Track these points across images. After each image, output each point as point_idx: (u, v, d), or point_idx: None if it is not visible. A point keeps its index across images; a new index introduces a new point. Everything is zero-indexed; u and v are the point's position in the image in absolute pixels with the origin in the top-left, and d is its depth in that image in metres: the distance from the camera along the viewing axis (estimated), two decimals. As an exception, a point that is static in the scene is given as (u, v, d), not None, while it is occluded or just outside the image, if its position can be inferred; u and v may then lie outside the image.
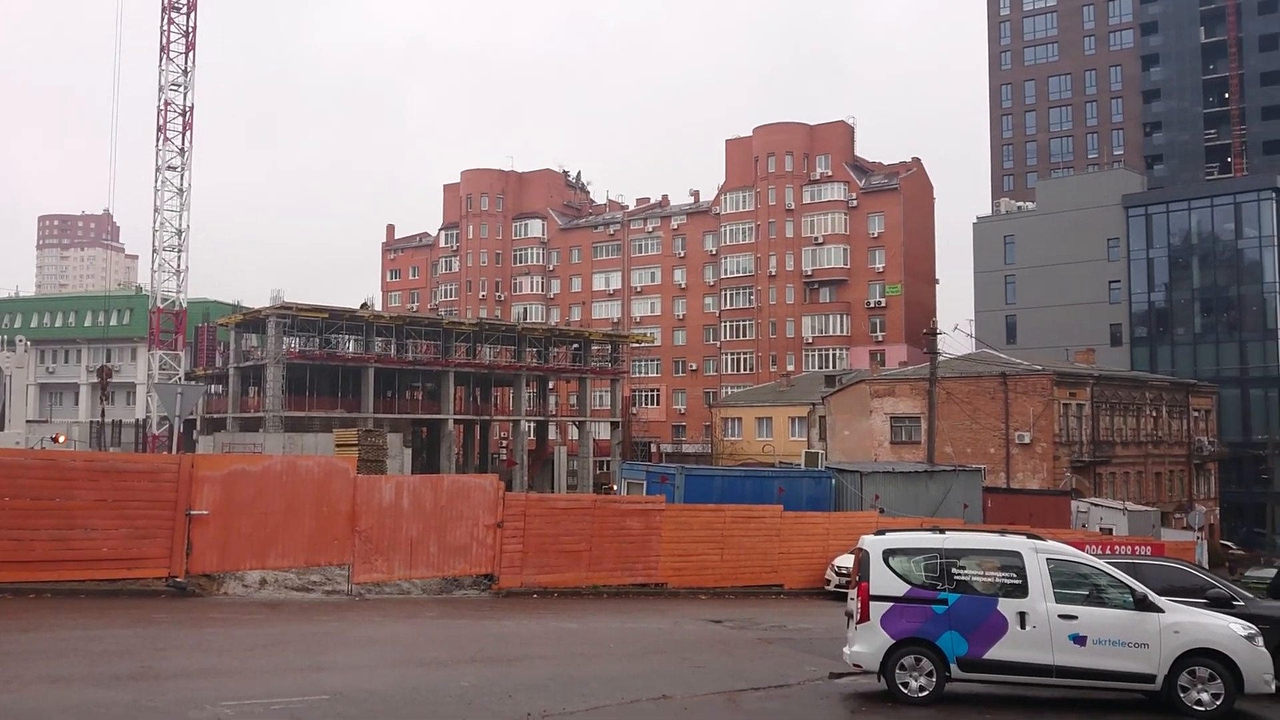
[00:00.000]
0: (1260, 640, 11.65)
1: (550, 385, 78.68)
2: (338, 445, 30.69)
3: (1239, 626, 11.63)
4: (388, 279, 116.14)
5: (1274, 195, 66.03)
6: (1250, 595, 15.28)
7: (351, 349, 64.07)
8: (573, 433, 76.96)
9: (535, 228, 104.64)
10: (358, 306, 66.21)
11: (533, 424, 73.94)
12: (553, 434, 78.54)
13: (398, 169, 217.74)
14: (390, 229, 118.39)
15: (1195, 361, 67.13)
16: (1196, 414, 59.58)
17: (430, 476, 26.96)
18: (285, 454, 35.65)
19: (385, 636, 15.38)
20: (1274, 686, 11.64)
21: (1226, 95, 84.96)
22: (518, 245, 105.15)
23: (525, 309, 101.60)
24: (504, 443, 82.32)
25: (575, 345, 73.85)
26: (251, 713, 9.73)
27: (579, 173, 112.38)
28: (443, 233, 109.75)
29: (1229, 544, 56.79)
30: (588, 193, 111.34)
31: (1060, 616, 11.34)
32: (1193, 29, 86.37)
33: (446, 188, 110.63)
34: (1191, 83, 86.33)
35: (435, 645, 14.92)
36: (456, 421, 68.49)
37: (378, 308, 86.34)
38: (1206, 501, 58.24)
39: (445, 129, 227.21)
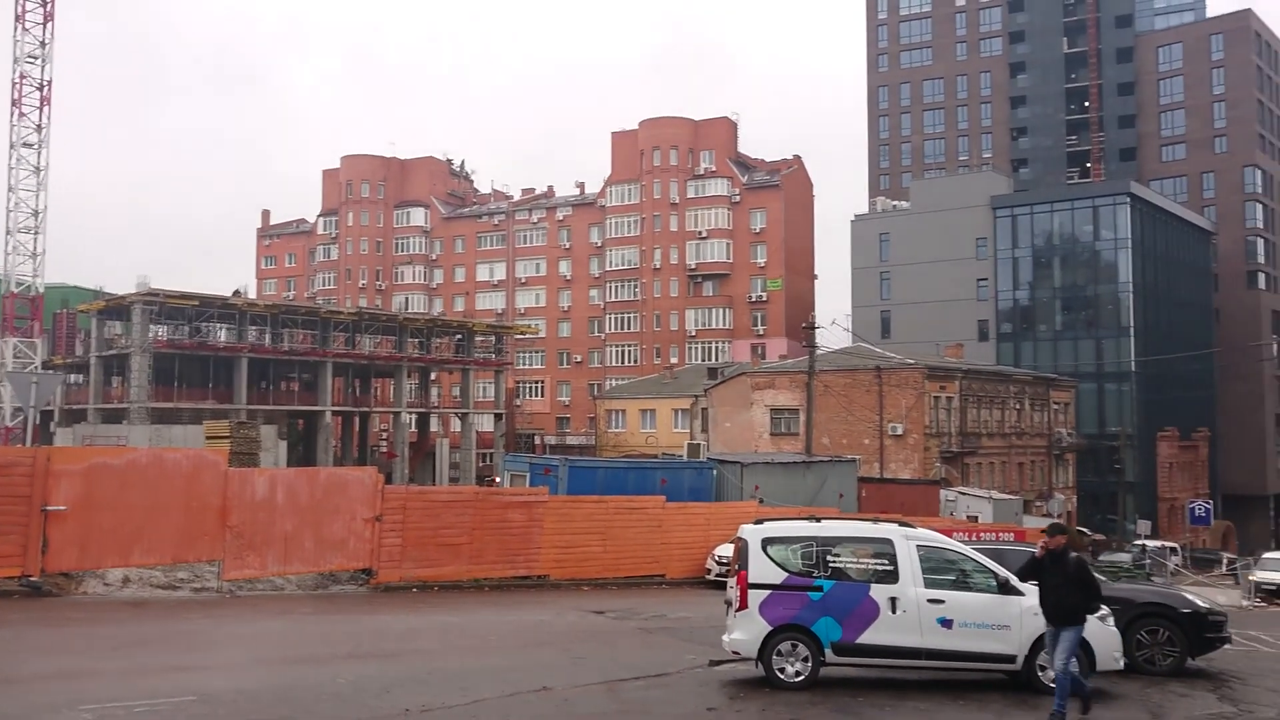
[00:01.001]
0: (1111, 620, 12.34)
1: (432, 376, 77.52)
2: (208, 438, 29.66)
3: (1092, 607, 12.28)
4: (263, 266, 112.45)
5: (1129, 200, 69.78)
6: (1103, 578, 16.14)
7: (224, 338, 61.76)
8: (455, 425, 76.03)
9: (418, 216, 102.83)
10: (230, 294, 63.88)
11: (414, 416, 72.71)
12: (435, 426, 77.43)
13: (274, 153, 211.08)
14: (266, 214, 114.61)
15: (1056, 357, 70.46)
16: (1056, 407, 62.59)
17: (306, 470, 26.30)
18: (151, 447, 34.22)
19: (257, 634, 14.93)
20: (1123, 663, 12.35)
21: (1087, 103, 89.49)
22: (399, 234, 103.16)
23: (407, 299, 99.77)
24: (384, 435, 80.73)
25: (458, 336, 72.91)
26: (113, 716, 9.33)
27: (463, 161, 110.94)
28: (321, 219, 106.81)
29: (1086, 530, 59.83)
30: (472, 182, 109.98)
31: (929, 601, 11.76)
32: (1056, 39, 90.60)
33: (325, 173, 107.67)
34: (1055, 90, 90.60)
35: (310, 642, 14.56)
36: (334, 413, 66.85)
37: (252, 295, 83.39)
38: (1065, 490, 61.30)
39: (324, 113, 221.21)
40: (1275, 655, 17.82)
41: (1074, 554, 11.03)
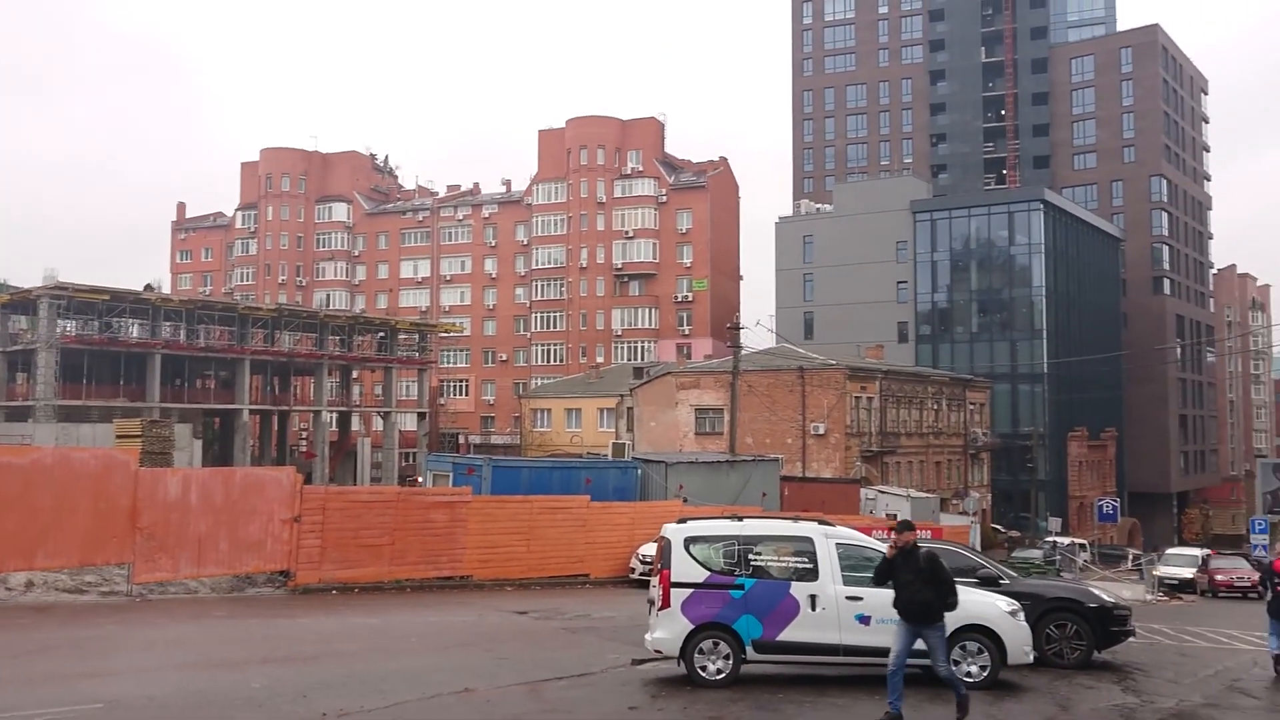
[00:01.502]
0: (1022, 615, 12.69)
1: (354, 375, 76.30)
2: (119, 437, 28.77)
3: (1004, 603, 12.62)
4: (178, 260, 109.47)
5: (1042, 207, 71.79)
6: (1014, 574, 16.61)
7: (136, 334, 59.94)
8: (377, 424, 74.94)
9: (340, 211, 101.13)
10: (143, 288, 62.06)
11: (335, 415, 71.48)
12: (356, 425, 76.22)
13: (192, 144, 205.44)
14: (181, 207, 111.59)
15: (972, 358, 72.16)
16: (972, 407, 64.13)
17: (221, 470, 25.72)
18: (58, 445, 33.05)
19: (169, 639, 14.53)
20: (1032, 657, 12.71)
21: (1003, 112, 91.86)
22: (321, 229, 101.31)
23: (328, 295, 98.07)
24: (304, 434, 79.20)
25: (381, 334, 71.87)
26: (13, 726, 8.99)
27: (387, 156, 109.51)
28: (240, 213, 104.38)
29: (999, 527, 61.45)
30: (396, 178, 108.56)
31: (847, 598, 11.95)
32: (974, 49, 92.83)
33: (244, 166, 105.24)
34: (973, 99, 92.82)
35: (224, 646, 14.22)
36: (252, 412, 65.39)
37: (166, 290, 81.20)
38: (980, 488, 62.84)
39: (244, 105, 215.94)
40: (1176, 647, 18.52)
41: (925, 550, 10.72)
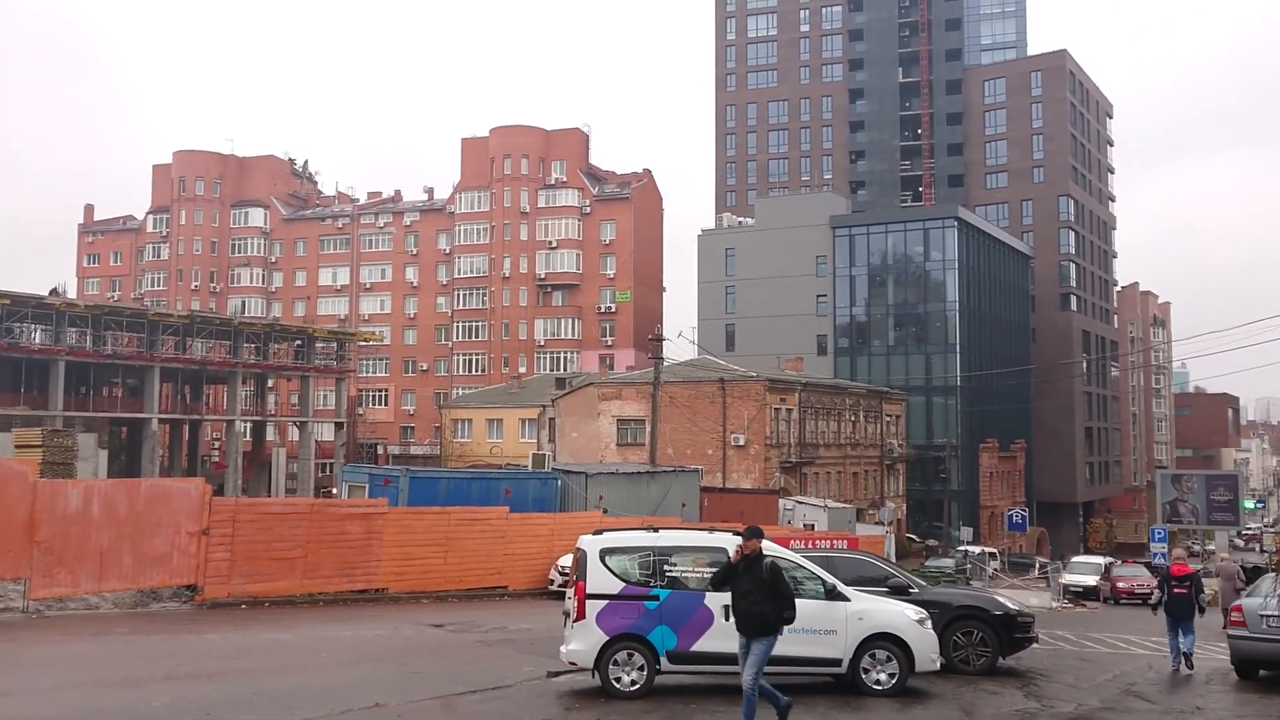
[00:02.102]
0: (929, 623, 13.00)
1: (270, 383, 74.62)
2: (17, 447, 27.67)
3: (912, 612, 12.91)
4: (85, 264, 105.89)
5: (956, 224, 73.71)
6: (923, 583, 16.99)
7: (39, 340, 57.73)
8: (294, 434, 73.40)
9: (256, 216, 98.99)
10: (47, 292, 59.88)
11: (249, 424, 69.77)
12: (271, 435, 74.55)
13: (101, 143, 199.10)
14: (89, 209, 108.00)
15: (888, 371, 73.64)
16: (888, 419, 65.41)
17: (126, 481, 24.94)
18: (-49, 456, 31.65)
19: (67, 656, 14.04)
20: (939, 664, 13.02)
21: (920, 131, 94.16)
22: (236, 234, 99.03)
23: (244, 302, 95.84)
24: (216, 444, 77.15)
25: (298, 342, 70.42)
26: (-106, 751, 8.61)
27: (306, 162, 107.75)
28: (151, 216, 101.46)
29: (914, 536, 62.72)
30: (315, 183, 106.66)
31: (761, 608, 12.08)
32: (892, 69, 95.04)
33: (156, 168, 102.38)
34: (890, 117, 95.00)
35: (126, 663, 13.78)
36: (162, 421, 63.51)
37: (71, 295, 78.44)
38: (896, 498, 64.08)
39: (157, 106, 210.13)
40: (1077, 653, 19.15)
41: (769, 559, 10.19)
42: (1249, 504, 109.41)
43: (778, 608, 9.96)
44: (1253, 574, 25.75)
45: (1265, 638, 14.26)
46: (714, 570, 12.25)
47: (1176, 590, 16.41)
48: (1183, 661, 16.26)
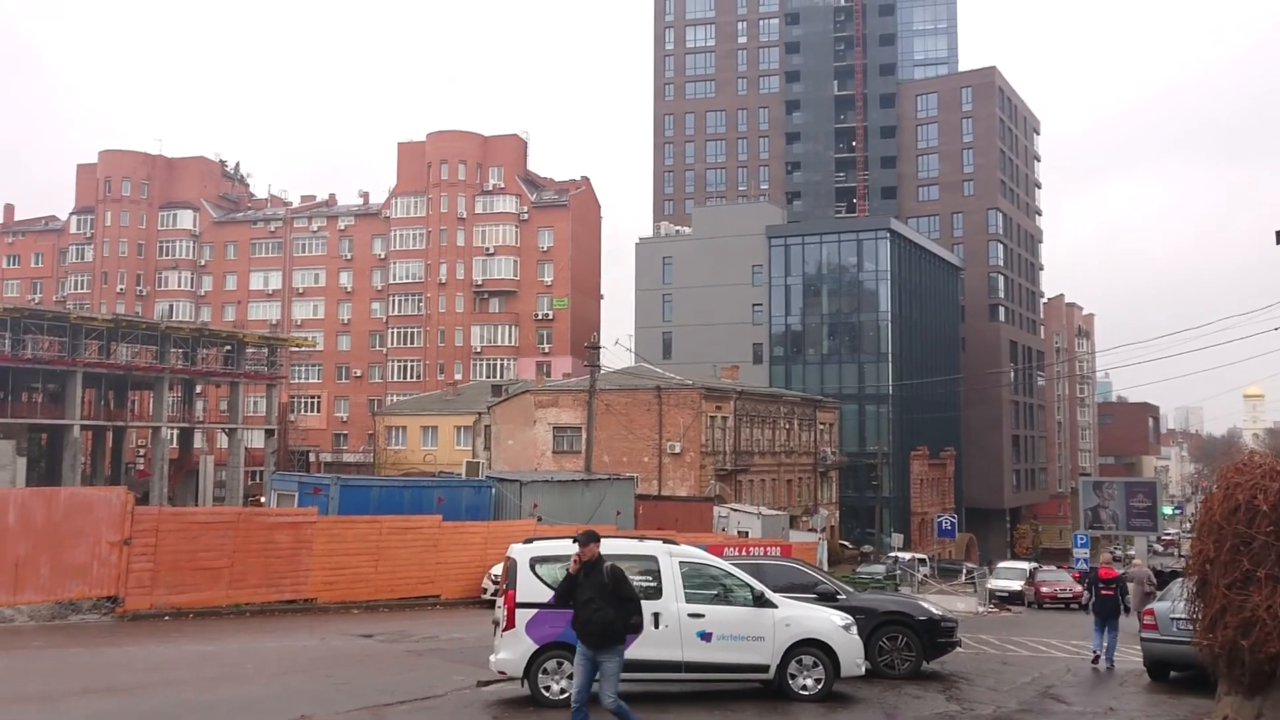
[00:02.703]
0: (855, 629, 13.24)
1: (198, 390, 73.03)
2: (-71, 454, 26.76)
3: (838, 618, 13.14)
4: (4, 265, 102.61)
5: (889, 235, 75.02)
6: (851, 589, 17.30)
7: (-47, 343, 55.84)
8: (222, 441, 71.88)
9: (186, 219, 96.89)
10: (-37, 295, 57.96)
11: (176, 431, 68.18)
12: (199, 442, 72.96)
13: (20, 140, 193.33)
14: (9, 209, 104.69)
15: (822, 379, 74.62)
16: (822, 427, 66.25)
17: (44, 489, 24.28)
18: None
19: (-21, 671, 13.61)
20: (865, 669, 13.26)
21: (854, 143, 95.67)
22: (165, 236, 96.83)
23: (172, 306, 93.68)
24: (141, 451, 75.25)
25: (228, 347, 69.03)
26: None
27: (238, 163, 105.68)
28: (75, 217, 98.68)
29: (846, 543, 63.63)
30: (247, 185, 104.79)
31: (690, 615, 12.21)
32: (827, 82, 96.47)
33: (81, 168, 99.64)
34: (826, 129, 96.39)
35: (41, 677, 13.41)
36: (84, 428, 61.73)
37: (-11, 297, 75.96)
38: (829, 505, 64.91)
39: (83, 102, 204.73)
40: (999, 656, 19.60)
41: (609, 565, 9.61)
42: (1167, 510, 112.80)
43: (623, 613, 9.43)
44: (1165, 578, 26.63)
45: (1175, 640, 14.75)
46: (644, 578, 12.36)
47: (1104, 592, 17.77)
48: (1104, 658, 17.56)
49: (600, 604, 9.35)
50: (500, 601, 12.46)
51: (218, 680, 13.61)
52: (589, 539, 9.71)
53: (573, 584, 9.61)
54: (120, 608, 19.16)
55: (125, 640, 16.82)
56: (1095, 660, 17.75)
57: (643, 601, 12.07)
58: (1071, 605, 39.02)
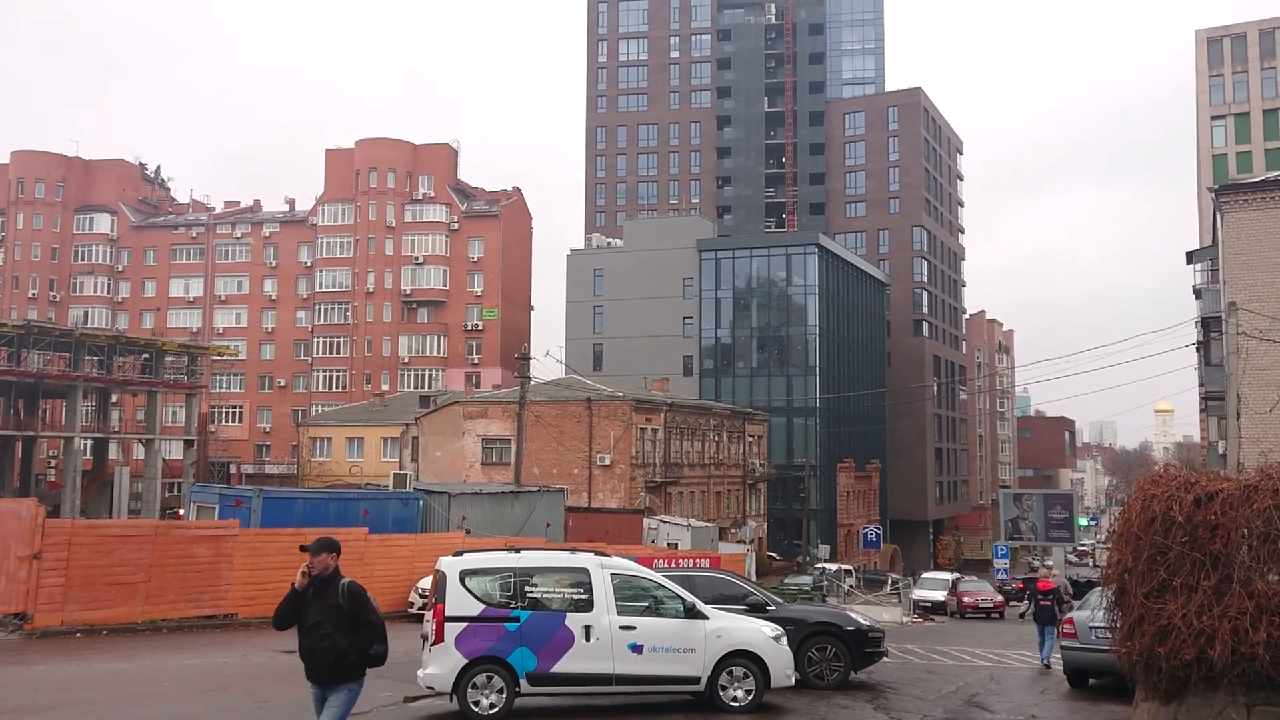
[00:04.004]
0: (785, 640, 13.32)
1: (114, 399, 70.81)
2: None
3: (768, 629, 13.21)
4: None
5: (817, 250, 76.07)
6: (780, 600, 17.41)
7: None
8: (139, 452, 69.78)
9: (103, 223, 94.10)
10: None
11: (90, 441, 66.00)
12: (114, 453, 70.71)
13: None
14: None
15: (751, 392, 75.26)
16: (751, 439, 66.76)
17: (-51, 502, 23.25)
18: None
19: (-126, 693, 12.96)
20: (794, 679, 13.35)
21: (784, 159, 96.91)
22: (80, 240, 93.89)
23: (87, 312, 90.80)
24: (53, 462, 72.67)
25: (146, 355, 67.11)
26: None
27: (159, 167, 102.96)
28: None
29: (774, 555, 64.08)
30: (168, 190, 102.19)
31: (621, 628, 12.17)
32: (758, 98, 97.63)
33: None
34: (756, 145, 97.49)
35: (-57, 699, 12.82)
36: (-9, 437, 59.46)
37: (-110, 301, 72.78)
38: (757, 517, 65.36)
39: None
40: (925, 666, 19.91)
41: (348, 581, 7.66)
42: (1083, 521, 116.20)
43: (361, 642, 7.53)
44: (1082, 588, 27.41)
45: (1094, 648, 15.11)
46: (575, 591, 12.29)
47: (1042, 602, 20.22)
48: (1042, 658, 19.58)
49: (330, 629, 7.45)
50: (429, 615, 12.29)
51: (133, 699, 13.17)
52: (321, 547, 7.75)
53: (297, 602, 7.64)
54: (29, 624, 18.45)
55: (35, 659, 16.19)
56: (1048, 669, 19.04)
57: (575, 614, 12.09)
58: (992, 615, 39.86)
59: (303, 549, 7.87)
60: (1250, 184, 34.26)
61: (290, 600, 7.67)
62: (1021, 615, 21.73)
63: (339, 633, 7.48)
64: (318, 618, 7.54)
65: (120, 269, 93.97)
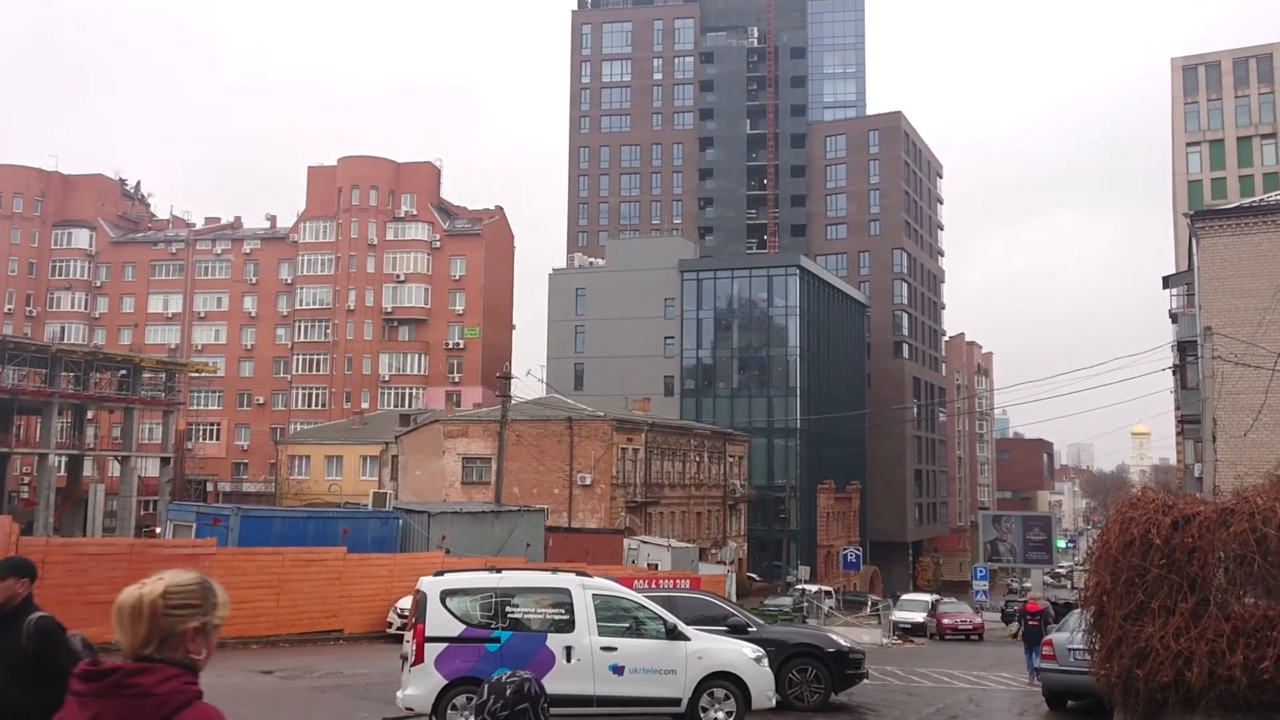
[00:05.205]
0: (766, 661, 13.31)
1: (89, 415, 70.06)
2: None
3: (750, 650, 13.20)
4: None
5: (798, 272, 76.43)
6: (761, 621, 17.41)
7: None
8: (115, 469, 69.04)
9: (81, 238, 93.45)
10: None
11: (64, 458, 65.26)
12: (90, 470, 69.88)
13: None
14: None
15: (732, 413, 75.35)
16: (732, 460, 66.79)
17: (-79, 519, 22.90)
18: None
19: None
20: (775, 701, 13.33)
21: (765, 181, 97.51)
22: (58, 255, 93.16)
23: (63, 327, 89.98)
24: (26, 479, 71.74)
25: (123, 371, 66.48)
26: None
27: (139, 183, 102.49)
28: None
29: (754, 575, 64.01)
30: (148, 205, 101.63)
31: (602, 649, 12.13)
32: (740, 120, 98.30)
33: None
34: (738, 167, 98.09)
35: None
36: (-37, 454, 58.70)
37: None
38: (737, 538, 65.27)
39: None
40: (904, 687, 19.91)
41: (37, 618, 5.35)
42: (1061, 543, 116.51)
43: (50, 701, 4.08)
44: (1061, 610, 27.50)
45: (1072, 670, 15.18)
46: (556, 611, 12.23)
47: (1030, 623, 21.40)
48: (1029, 676, 20.41)
49: (8, 679, 5.25)
50: (409, 635, 12.20)
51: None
52: (8, 570, 5.52)
53: None
54: None
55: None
56: (1030, 681, 20.03)
57: (556, 635, 12.04)
58: (971, 637, 39.94)
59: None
60: (1225, 210, 34.73)
61: None
62: (1012, 635, 22.74)
63: (19, 687, 5.21)
64: None
65: (98, 284, 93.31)
